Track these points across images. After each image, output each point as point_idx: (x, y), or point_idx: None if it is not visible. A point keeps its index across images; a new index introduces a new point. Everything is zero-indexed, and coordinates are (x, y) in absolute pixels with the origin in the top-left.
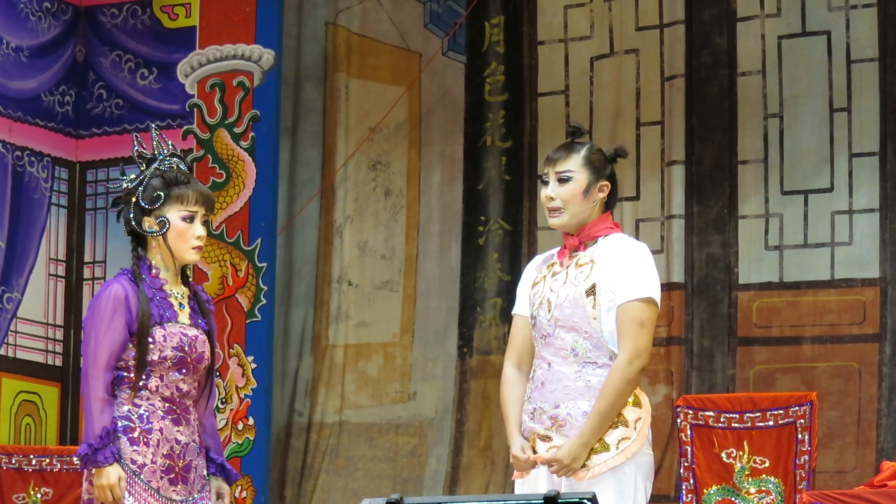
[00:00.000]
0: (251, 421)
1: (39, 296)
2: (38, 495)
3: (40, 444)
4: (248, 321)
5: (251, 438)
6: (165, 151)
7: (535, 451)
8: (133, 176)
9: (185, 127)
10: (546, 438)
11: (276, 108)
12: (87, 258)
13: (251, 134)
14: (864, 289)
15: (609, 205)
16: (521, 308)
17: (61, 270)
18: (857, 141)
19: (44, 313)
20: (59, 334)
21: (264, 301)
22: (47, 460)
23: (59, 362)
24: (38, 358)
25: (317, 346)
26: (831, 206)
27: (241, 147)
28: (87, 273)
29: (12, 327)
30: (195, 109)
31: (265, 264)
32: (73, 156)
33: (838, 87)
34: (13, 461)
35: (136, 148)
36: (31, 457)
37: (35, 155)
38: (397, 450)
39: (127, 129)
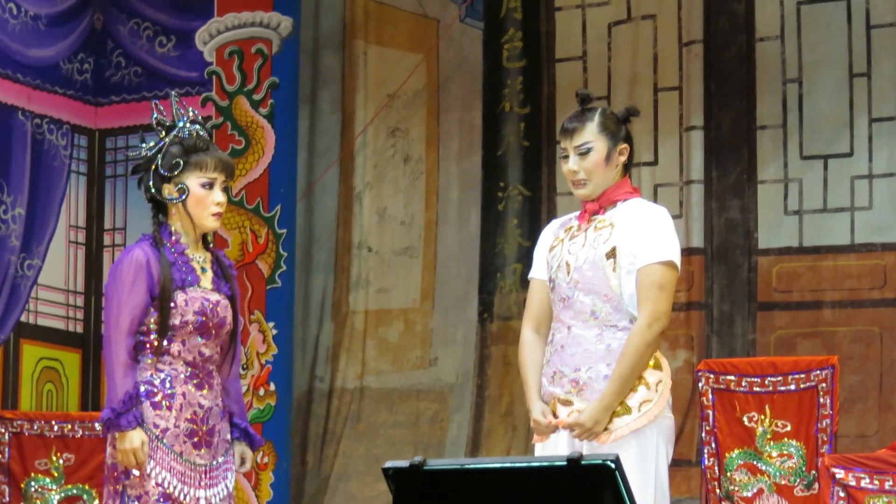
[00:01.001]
0: (272, 387)
1: (60, 263)
2: (60, 461)
3: (62, 411)
4: (268, 287)
5: (272, 404)
6: (185, 118)
7: (555, 416)
8: (152, 143)
9: (204, 94)
10: (567, 402)
11: (295, 76)
12: (106, 225)
13: (270, 101)
14: (884, 253)
15: (628, 166)
16: (537, 272)
17: (81, 237)
18: (877, 106)
19: (64, 280)
20: (80, 301)
21: (284, 267)
22: (69, 426)
23: (79, 329)
24: (58, 325)
25: (337, 312)
26: (851, 170)
27: (259, 114)
28: (106, 240)
29: (33, 294)
30: (214, 77)
31: (285, 231)
32: (93, 123)
33: (857, 53)
34: (35, 427)
35: (155, 115)
36: (53, 423)
37: (54, 123)
38: (418, 415)
39: (146, 96)
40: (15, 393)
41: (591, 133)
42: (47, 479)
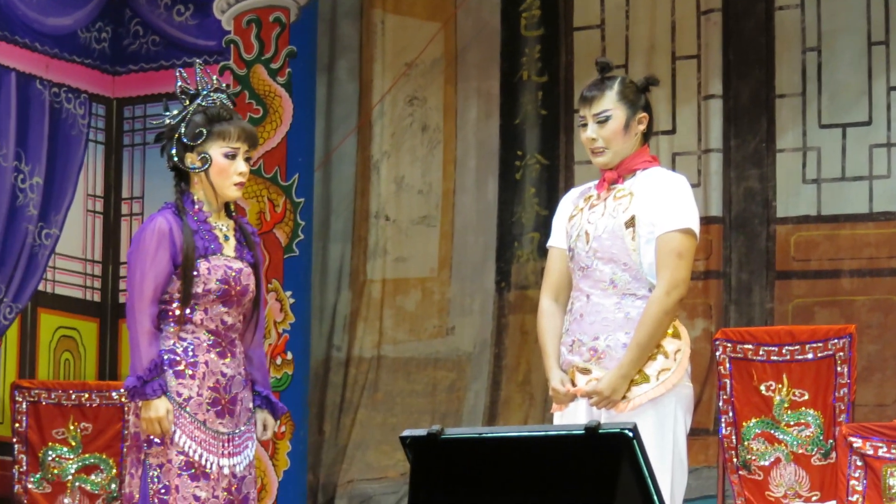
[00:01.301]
0: (289, 356)
1: (77, 232)
2: (78, 430)
3: (79, 380)
4: (285, 256)
5: (289, 373)
6: (209, 87)
7: (573, 384)
8: (176, 112)
9: (222, 63)
10: (585, 371)
11: (313, 45)
12: (124, 194)
13: (288, 70)
14: None
15: (647, 135)
16: (556, 240)
17: (99, 206)
18: None
19: (82, 249)
20: (98, 270)
21: (302, 236)
22: (86, 395)
23: (97, 298)
24: (76, 294)
25: (355, 281)
26: (869, 139)
27: (277, 83)
28: (124, 209)
29: (51, 263)
30: (232, 46)
31: (303, 199)
32: (110, 92)
33: (876, 21)
34: (52, 396)
35: (179, 83)
36: (71, 392)
37: (72, 91)
38: (436, 384)
39: (163, 65)
40: (32, 362)
41: (609, 101)
42: (65, 449)
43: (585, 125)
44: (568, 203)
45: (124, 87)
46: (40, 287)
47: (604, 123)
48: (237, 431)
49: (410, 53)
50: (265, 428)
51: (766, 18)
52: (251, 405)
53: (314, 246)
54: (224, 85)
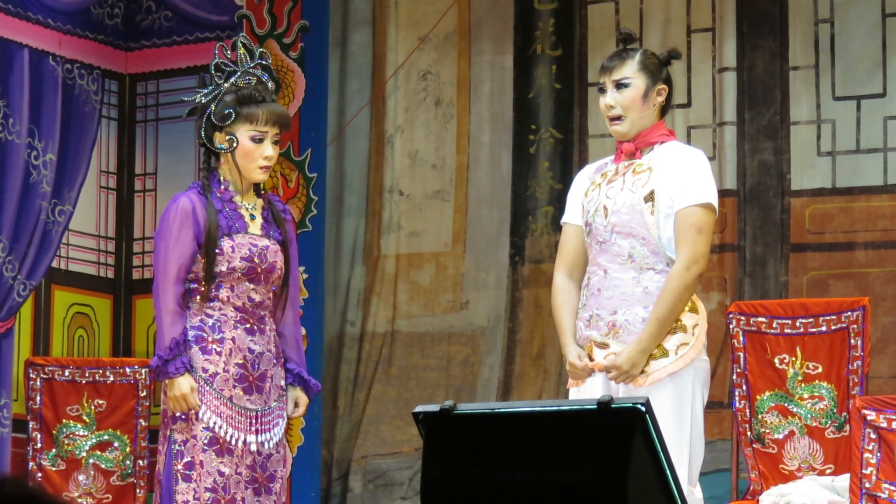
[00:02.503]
0: (303, 331)
1: (91, 208)
2: (92, 407)
3: (93, 357)
4: (299, 231)
5: (304, 349)
6: (248, 65)
7: (591, 359)
8: (209, 90)
9: (234, 38)
10: (603, 346)
11: (325, 19)
12: (137, 170)
13: (300, 45)
14: None
15: (665, 108)
16: (571, 216)
17: (112, 183)
18: None
19: (95, 226)
20: (111, 246)
21: (315, 211)
22: (100, 372)
23: (111, 274)
24: (90, 270)
25: (368, 256)
26: (884, 111)
27: (290, 58)
28: (137, 185)
29: (64, 240)
30: (244, 20)
31: (315, 175)
32: (123, 68)
33: None
34: (66, 373)
35: (216, 59)
36: (85, 369)
37: (85, 68)
38: (450, 359)
39: (176, 41)
40: (46, 339)
41: (630, 69)
42: (79, 426)
43: (604, 92)
44: (584, 179)
45: (137, 62)
46: (54, 264)
47: (623, 89)
48: (266, 408)
49: (424, 27)
50: (297, 405)
51: None
52: (283, 382)
53: (327, 221)
54: (267, 60)
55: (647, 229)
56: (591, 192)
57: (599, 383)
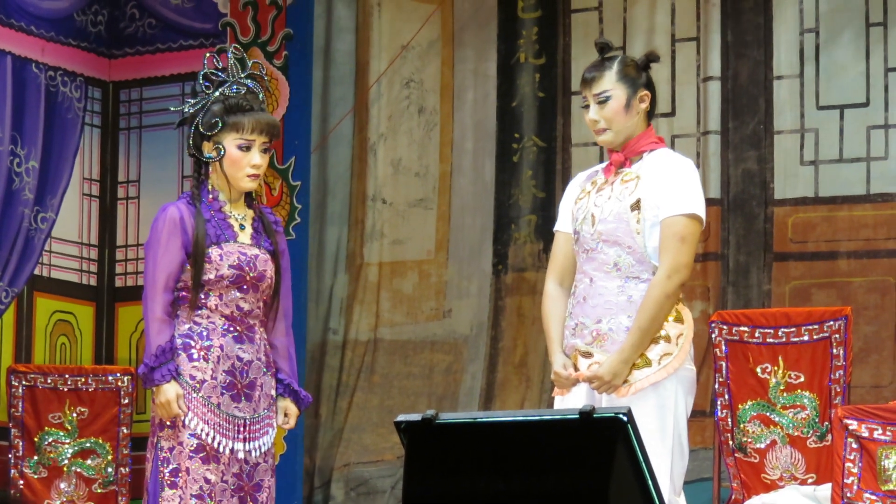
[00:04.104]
0: None
1: (74, 216)
2: (74, 415)
3: (75, 364)
4: None
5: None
6: (238, 75)
7: (576, 369)
8: (197, 99)
9: (219, 46)
10: (587, 354)
11: (309, 27)
12: (120, 178)
13: (284, 53)
14: None
15: (651, 113)
16: (562, 224)
17: (95, 190)
18: (893, 55)
19: (78, 233)
20: (94, 254)
21: (298, 219)
22: (82, 380)
23: (93, 282)
24: (72, 278)
25: (351, 264)
26: (867, 120)
27: (274, 66)
28: (120, 192)
29: (47, 247)
30: (228, 28)
31: (299, 183)
32: (107, 75)
33: (874, 2)
34: (49, 381)
35: (205, 69)
36: (67, 376)
37: (68, 75)
38: (432, 367)
39: (160, 48)
40: (29, 346)
41: (609, 81)
42: (61, 433)
43: (587, 107)
44: (575, 187)
45: (120, 70)
46: (36, 271)
47: (604, 104)
48: (255, 417)
49: (407, 35)
50: (286, 416)
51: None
52: (273, 392)
53: (311, 229)
54: (260, 70)
55: (632, 237)
56: (580, 201)
57: (584, 393)
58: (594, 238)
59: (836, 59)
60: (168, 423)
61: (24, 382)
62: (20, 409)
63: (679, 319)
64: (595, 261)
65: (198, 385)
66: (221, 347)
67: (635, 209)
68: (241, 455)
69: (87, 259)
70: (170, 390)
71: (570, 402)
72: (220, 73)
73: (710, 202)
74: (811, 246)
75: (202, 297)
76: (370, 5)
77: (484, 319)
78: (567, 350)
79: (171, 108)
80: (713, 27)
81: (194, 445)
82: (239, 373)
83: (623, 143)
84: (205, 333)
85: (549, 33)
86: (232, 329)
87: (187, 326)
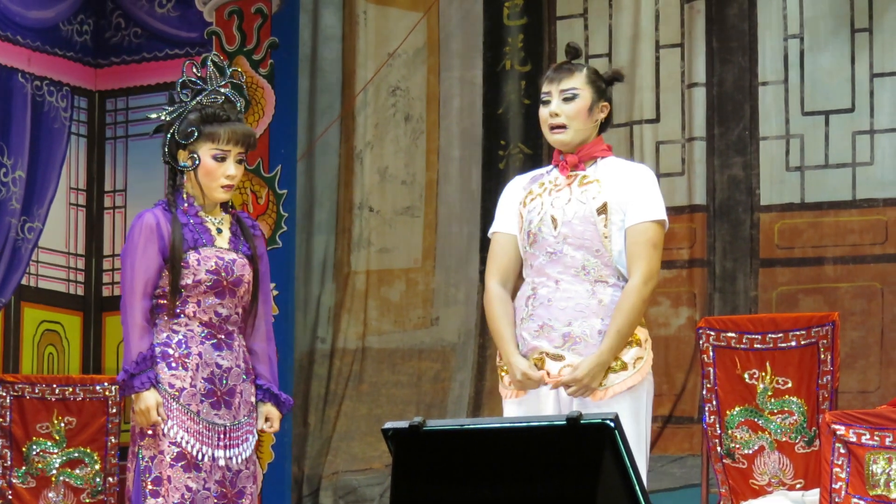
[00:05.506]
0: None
1: (60, 225)
2: (62, 424)
3: (63, 374)
4: (269, 248)
5: (276, 364)
6: (218, 83)
7: (546, 371)
8: (173, 108)
9: (204, 55)
10: (557, 357)
11: (295, 35)
12: (107, 187)
13: (270, 61)
14: (885, 209)
15: (602, 128)
16: (503, 226)
17: (82, 200)
18: (878, 61)
19: (65, 243)
20: (81, 263)
21: (285, 228)
22: (70, 389)
23: (80, 291)
24: (59, 287)
25: (339, 272)
26: (852, 126)
27: (260, 74)
28: (107, 202)
29: (34, 257)
30: (213, 37)
31: (286, 191)
32: (93, 85)
33: (859, 8)
34: (36, 391)
35: (184, 76)
36: (55, 386)
37: (54, 84)
38: (420, 375)
39: (146, 57)
40: (16, 356)
41: (579, 80)
42: (49, 443)
43: (548, 102)
44: (516, 189)
45: (106, 79)
46: (23, 281)
47: (570, 101)
48: (235, 423)
49: (393, 43)
50: (267, 420)
51: (748, 5)
52: (253, 399)
53: (297, 238)
54: (240, 79)
55: (600, 241)
56: (530, 203)
57: (547, 395)
58: (558, 240)
59: (821, 65)
60: (149, 431)
61: (11, 392)
62: (8, 419)
63: (643, 324)
64: (560, 263)
65: (177, 393)
66: (200, 355)
67: (602, 213)
68: (221, 462)
69: (74, 269)
70: (149, 398)
71: (531, 404)
72: (198, 82)
73: (695, 209)
74: (798, 252)
75: (180, 304)
76: (356, 13)
77: (472, 327)
78: (527, 352)
79: (149, 116)
80: (698, 33)
81: (175, 454)
82: (218, 380)
83: (577, 147)
84: (183, 341)
85: (535, 41)
86: (210, 336)
87: (165, 335)
